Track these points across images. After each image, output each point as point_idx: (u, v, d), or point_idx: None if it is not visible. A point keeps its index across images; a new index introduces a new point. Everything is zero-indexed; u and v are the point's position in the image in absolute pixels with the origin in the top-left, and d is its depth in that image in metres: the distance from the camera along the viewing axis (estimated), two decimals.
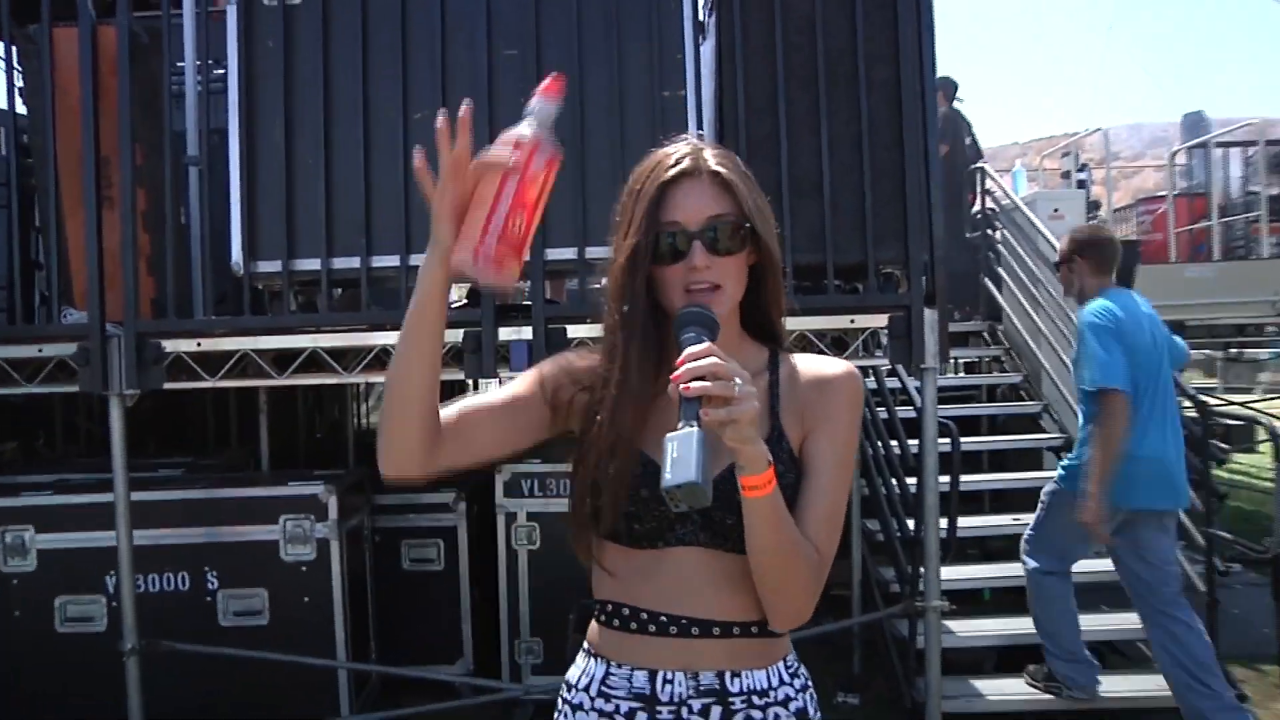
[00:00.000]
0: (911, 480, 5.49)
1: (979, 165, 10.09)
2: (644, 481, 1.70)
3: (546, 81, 1.62)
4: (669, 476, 1.43)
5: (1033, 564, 5.14)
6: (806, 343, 4.67)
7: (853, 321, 4.76)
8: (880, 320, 4.76)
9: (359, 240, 4.73)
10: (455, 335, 4.68)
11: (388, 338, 4.79)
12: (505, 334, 4.72)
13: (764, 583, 1.67)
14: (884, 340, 4.82)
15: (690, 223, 1.71)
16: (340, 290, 5.46)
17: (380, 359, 4.87)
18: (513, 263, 1.56)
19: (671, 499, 1.43)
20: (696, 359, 1.52)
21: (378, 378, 5.32)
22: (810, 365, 1.80)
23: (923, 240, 4.72)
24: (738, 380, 1.51)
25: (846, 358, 4.84)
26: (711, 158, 1.75)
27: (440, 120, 1.58)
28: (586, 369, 1.81)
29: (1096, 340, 4.61)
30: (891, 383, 6.91)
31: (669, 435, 1.46)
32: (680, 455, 1.44)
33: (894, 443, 6.05)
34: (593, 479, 1.73)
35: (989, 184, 9.54)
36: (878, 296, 4.77)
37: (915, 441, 5.13)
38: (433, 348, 1.70)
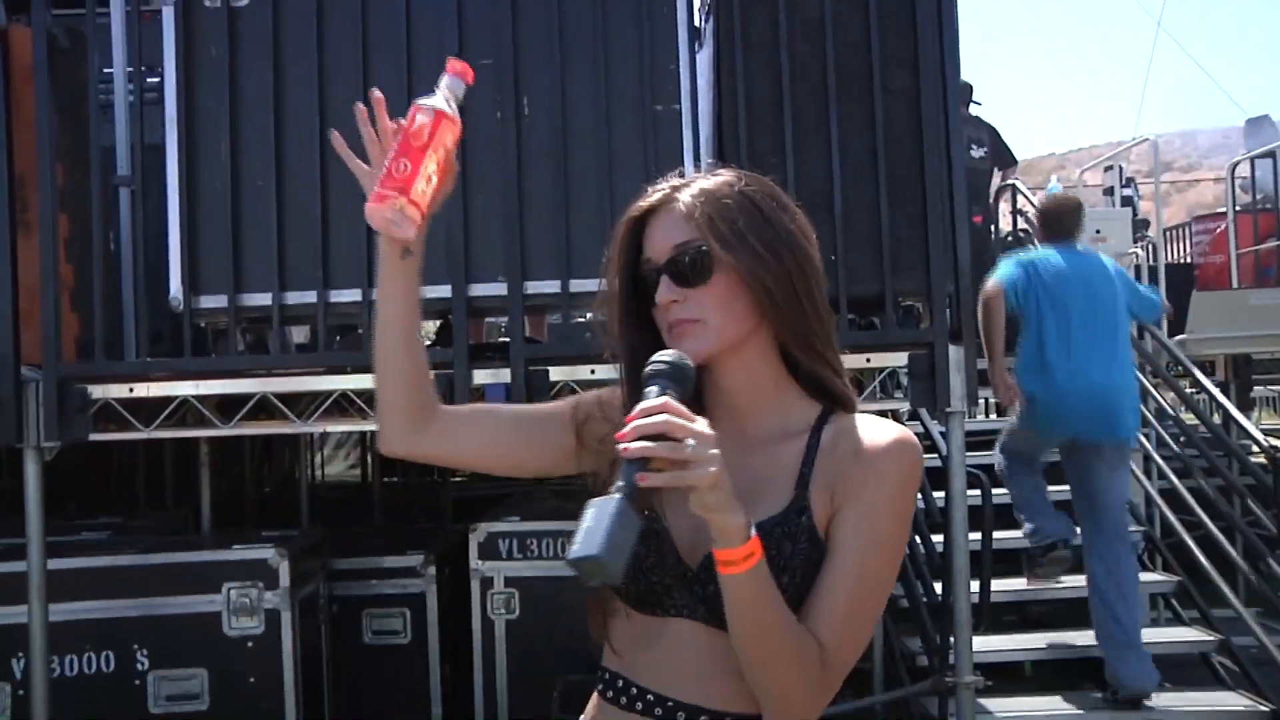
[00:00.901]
0: (938, 538, 5.52)
1: (1010, 181, 10.20)
2: (652, 550, 1.72)
3: (456, 63, 1.80)
4: (575, 547, 1.43)
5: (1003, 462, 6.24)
6: None
7: (869, 360, 4.82)
8: (900, 359, 4.82)
9: (315, 272, 4.78)
10: None
11: (347, 381, 4.84)
12: (480, 377, 4.77)
13: (749, 673, 1.65)
14: (904, 381, 4.88)
15: (658, 256, 1.75)
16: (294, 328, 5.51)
17: (340, 405, 4.90)
18: (395, 200, 1.72)
19: (579, 571, 1.43)
20: (645, 415, 1.52)
21: (336, 426, 5.36)
22: (857, 430, 1.74)
23: (947, 268, 4.79)
24: (690, 441, 1.50)
25: (863, 401, 4.89)
26: (689, 188, 1.77)
27: (359, 106, 1.81)
28: (618, 409, 1.84)
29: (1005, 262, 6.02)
30: (913, 428, 6.95)
31: (592, 500, 1.47)
32: (592, 524, 1.44)
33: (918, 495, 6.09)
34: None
35: (1021, 202, 9.62)
36: (897, 332, 4.83)
37: (941, 494, 5.17)
38: (399, 313, 1.84)
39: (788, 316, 1.74)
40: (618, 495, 1.46)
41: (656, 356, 1.63)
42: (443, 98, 1.75)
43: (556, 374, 4.74)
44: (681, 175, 1.82)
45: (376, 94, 1.78)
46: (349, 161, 1.80)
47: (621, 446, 1.50)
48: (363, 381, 4.83)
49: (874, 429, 1.74)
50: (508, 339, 4.89)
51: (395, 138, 1.74)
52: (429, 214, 1.76)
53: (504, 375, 4.76)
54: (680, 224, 1.73)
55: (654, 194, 1.78)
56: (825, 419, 1.76)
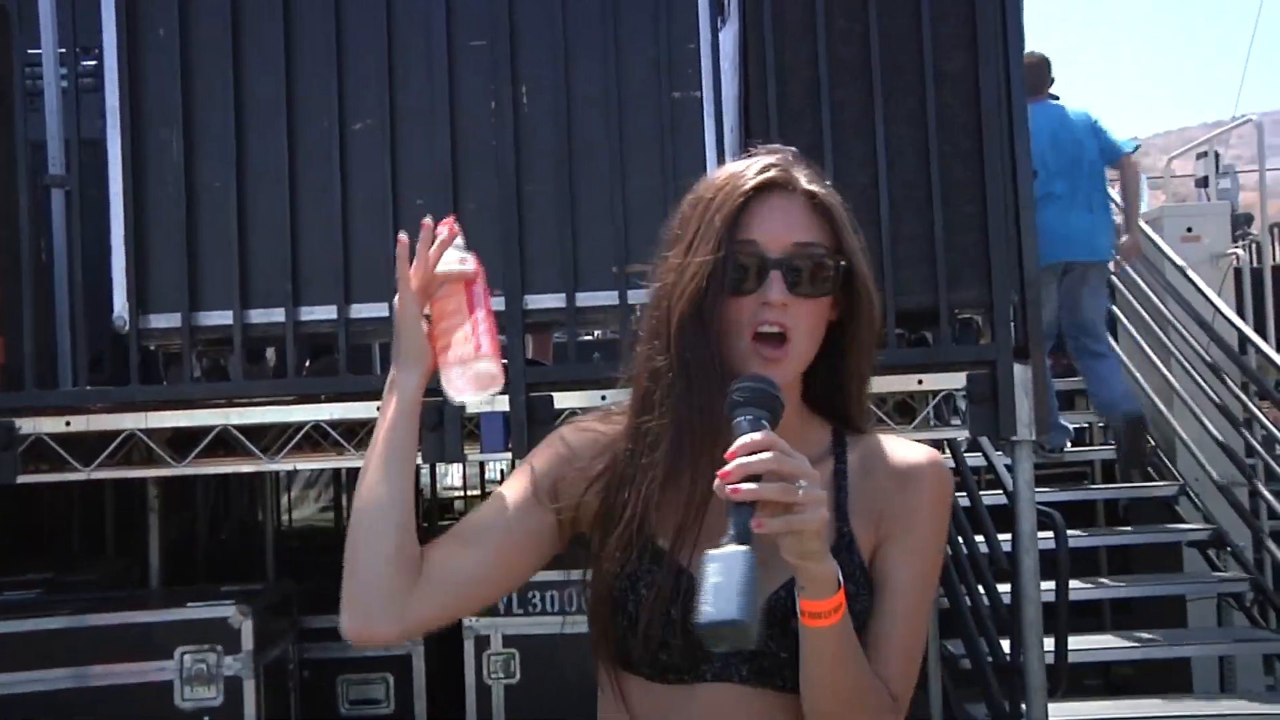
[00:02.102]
0: (1005, 588, 5.57)
1: None
2: (675, 600, 1.74)
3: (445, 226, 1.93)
4: (708, 610, 1.45)
5: None
6: None
7: (921, 382, 4.86)
8: (957, 380, 4.86)
9: (283, 287, 4.85)
10: None
11: (320, 412, 4.91)
12: (474, 404, 4.81)
13: None
14: (962, 405, 4.92)
15: (772, 246, 1.76)
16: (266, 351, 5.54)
17: (312, 438, 4.96)
18: (497, 361, 1.81)
19: (708, 637, 1.46)
20: (752, 451, 1.54)
21: (306, 463, 5.42)
22: (886, 453, 1.84)
23: (1011, 276, 4.85)
24: (804, 481, 1.53)
25: (914, 428, 4.94)
26: (803, 175, 1.83)
27: (402, 238, 1.88)
28: (594, 450, 1.85)
29: None
30: (974, 460, 7.03)
31: (710, 553, 1.49)
32: (722, 582, 1.46)
33: (979, 539, 6.14)
34: (613, 594, 1.78)
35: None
36: (953, 349, 4.89)
37: (1007, 537, 5.21)
38: (405, 475, 1.81)
39: (865, 345, 1.85)
40: (744, 548, 1.49)
41: (745, 381, 1.65)
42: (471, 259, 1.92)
43: (563, 400, 4.77)
44: (770, 150, 1.87)
45: (426, 225, 1.94)
46: (401, 292, 1.89)
47: (729, 487, 1.53)
48: (337, 411, 4.90)
49: (904, 451, 1.86)
50: (505, 360, 4.94)
51: (461, 286, 1.87)
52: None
53: (501, 403, 4.80)
54: (807, 219, 1.79)
55: (765, 166, 1.81)
56: (840, 440, 1.86)
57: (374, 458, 1.82)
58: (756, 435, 1.56)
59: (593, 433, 1.89)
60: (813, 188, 1.81)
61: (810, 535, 1.54)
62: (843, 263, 1.78)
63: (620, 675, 1.82)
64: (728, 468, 1.53)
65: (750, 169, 1.81)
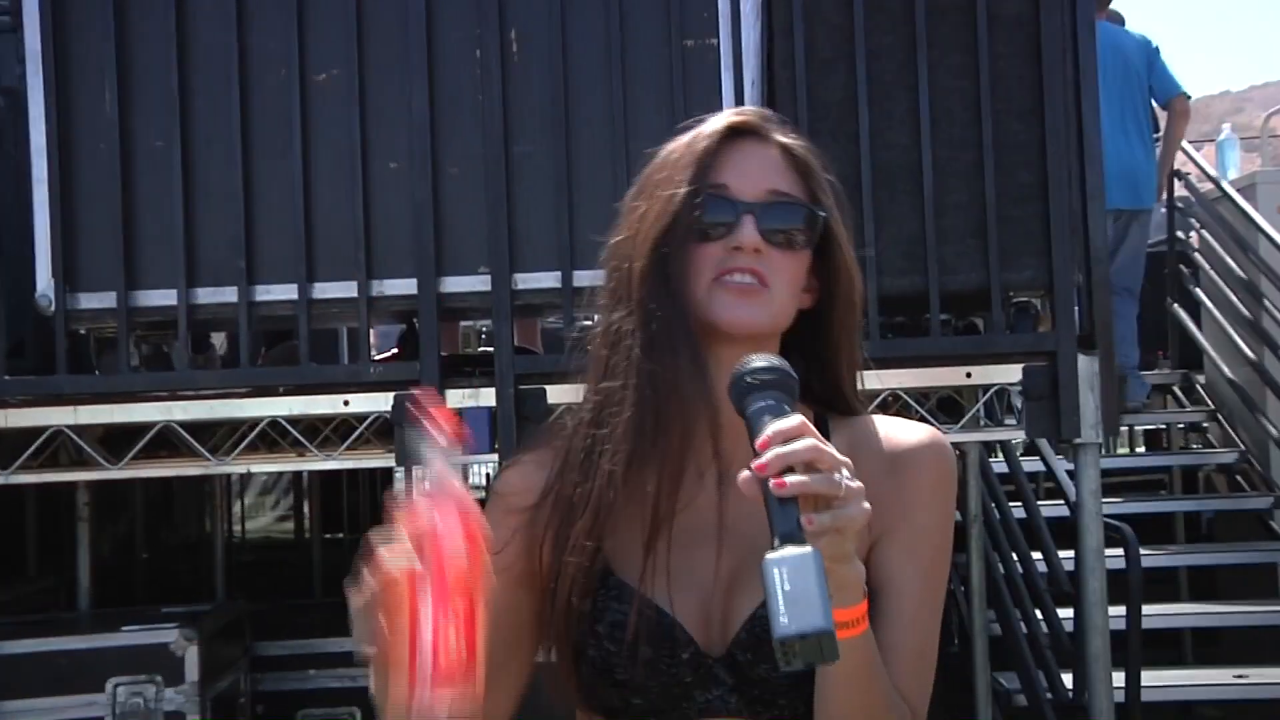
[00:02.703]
0: (1067, 614, 5.60)
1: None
2: (644, 639, 1.76)
3: (434, 422, 1.57)
4: (785, 622, 1.45)
5: None
6: (899, 407, 4.76)
7: (969, 375, 4.89)
8: (1012, 373, 4.88)
9: (235, 262, 4.87)
10: (381, 402, 4.83)
11: (278, 405, 4.94)
12: (455, 398, 4.86)
13: None
14: (1017, 402, 4.95)
15: (744, 190, 1.82)
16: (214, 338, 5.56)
17: (269, 437, 4.98)
18: (463, 682, 1.50)
19: (787, 653, 1.47)
20: (788, 439, 1.56)
21: (262, 465, 5.45)
22: (878, 434, 1.89)
23: (1074, 253, 4.87)
24: (844, 471, 1.56)
25: (963, 428, 4.96)
26: (783, 128, 1.90)
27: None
28: (530, 478, 1.87)
29: None
30: (1031, 464, 7.05)
31: (770, 558, 1.49)
32: (797, 589, 1.47)
33: (1037, 556, 6.18)
34: (570, 636, 1.80)
35: (1180, 159, 9.64)
36: (1008, 338, 4.91)
37: (1070, 554, 5.23)
38: None
39: (847, 318, 1.91)
40: (811, 548, 1.50)
41: (754, 362, 1.66)
42: (459, 486, 1.54)
43: (556, 394, 4.80)
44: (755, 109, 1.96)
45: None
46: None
47: (773, 480, 1.53)
48: (297, 406, 4.92)
49: (898, 430, 1.92)
50: (490, 348, 4.96)
51: (407, 571, 1.51)
52: None
53: (487, 396, 4.84)
54: (782, 169, 1.86)
55: (735, 113, 1.90)
56: (822, 424, 1.89)
57: None
58: (788, 421, 1.57)
59: (522, 464, 1.92)
60: (788, 141, 1.87)
61: (851, 534, 1.57)
62: (821, 214, 1.84)
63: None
64: (764, 459, 1.54)
65: (725, 116, 1.89)
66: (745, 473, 1.55)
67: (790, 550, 1.49)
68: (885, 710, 1.72)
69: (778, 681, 1.74)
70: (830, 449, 1.55)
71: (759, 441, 1.56)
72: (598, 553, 1.78)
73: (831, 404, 1.92)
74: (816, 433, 1.56)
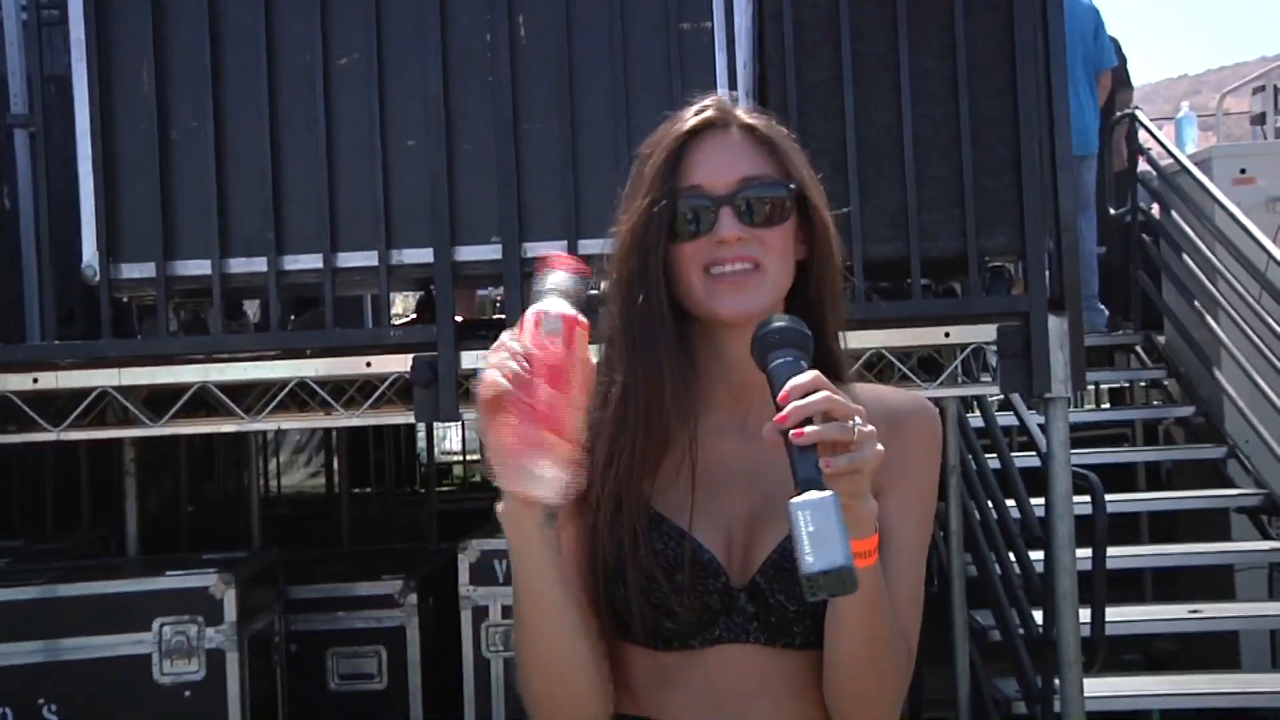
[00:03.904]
0: (1038, 556, 5.58)
1: (1128, 111, 10.18)
2: (671, 559, 1.80)
3: (565, 260, 1.81)
4: (810, 560, 1.53)
5: None
6: (883, 366, 4.76)
7: (948, 335, 4.87)
8: (987, 332, 4.86)
9: (266, 234, 4.85)
10: (401, 363, 4.82)
11: (307, 367, 4.92)
12: (470, 360, 4.83)
13: (846, 688, 1.79)
14: (992, 360, 4.92)
15: (716, 185, 1.85)
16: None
17: (298, 397, 4.97)
18: (546, 445, 1.63)
19: (812, 587, 1.54)
20: (806, 393, 1.61)
21: (292, 422, 5.43)
22: (872, 402, 1.88)
23: (1045, 220, 4.83)
24: (857, 418, 1.62)
25: (941, 384, 4.93)
26: (742, 110, 1.92)
27: None
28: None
29: None
30: (1005, 419, 7.03)
31: (794, 502, 1.56)
32: (820, 529, 1.54)
33: (1010, 503, 6.16)
34: (606, 563, 1.83)
35: (1143, 137, 9.62)
36: (983, 300, 4.88)
37: (1040, 501, 5.22)
38: (559, 603, 1.77)
39: (830, 280, 1.93)
40: (830, 492, 1.57)
41: (772, 323, 1.73)
42: (557, 300, 1.73)
43: None
44: (712, 96, 1.96)
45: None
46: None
47: (793, 430, 1.59)
48: (323, 368, 4.91)
49: (890, 398, 1.96)
50: (504, 315, 4.94)
51: (513, 356, 1.66)
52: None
53: None
54: (749, 152, 1.88)
55: (699, 109, 1.91)
56: None
57: (517, 600, 1.81)
58: (804, 376, 1.64)
59: None
60: (751, 121, 1.90)
61: (866, 473, 1.63)
62: (792, 186, 1.87)
63: (617, 646, 1.87)
64: (784, 412, 1.60)
65: (684, 114, 1.90)
66: (768, 425, 1.62)
67: (812, 494, 1.56)
68: (889, 638, 1.77)
69: (793, 612, 1.80)
70: (843, 398, 1.62)
71: (779, 396, 1.62)
72: (633, 491, 1.83)
73: (819, 360, 1.90)
74: (830, 385, 1.62)
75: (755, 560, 1.81)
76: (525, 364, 1.65)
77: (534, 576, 1.75)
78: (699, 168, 1.85)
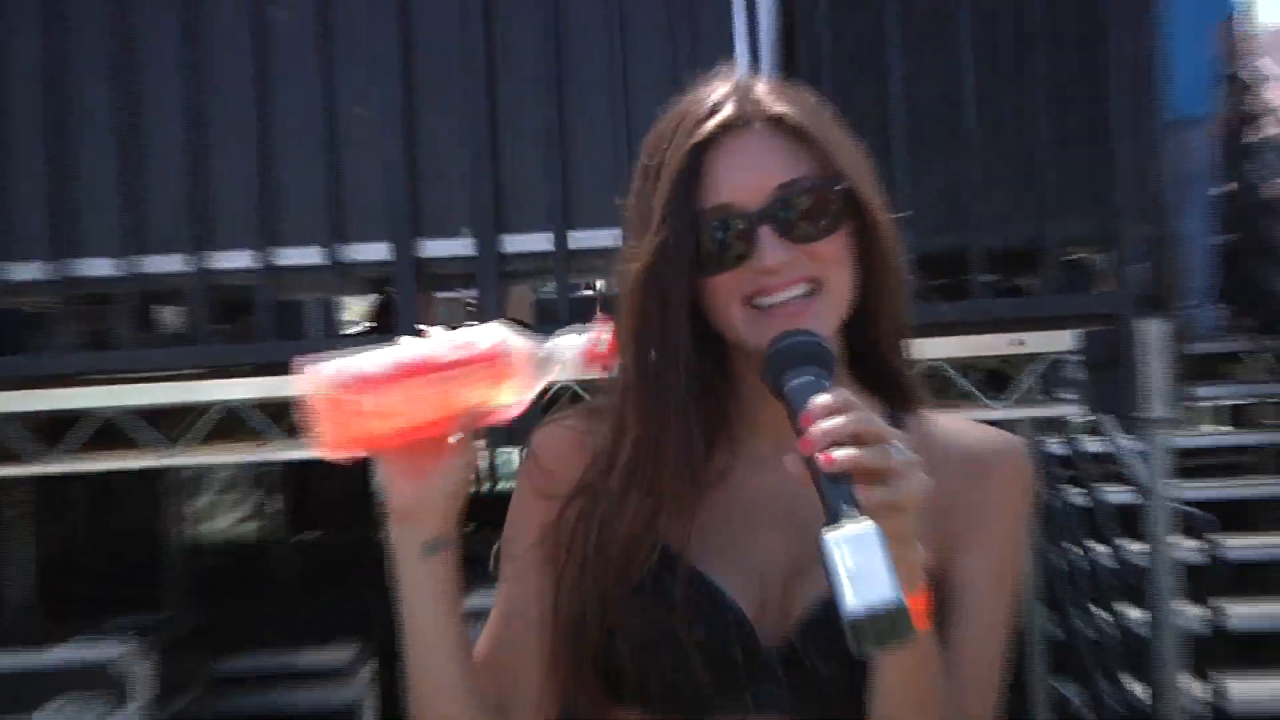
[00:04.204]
0: (1137, 613, 5.66)
1: (1254, 60, 10.16)
2: (687, 609, 1.83)
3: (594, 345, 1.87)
4: (852, 600, 1.50)
5: None
6: (940, 379, 4.76)
7: (1019, 344, 4.92)
8: (1068, 340, 4.91)
9: (187, 228, 4.93)
10: None
11: (238, 389, 4.99)
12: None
13: None
14: (1075, 374, 4.97)
15: (748, 200, 1.80)
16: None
17: (227, 422, 5.03)
18: (345, 397, 1.76)
19: (858, 635, 1.51)
20: (832, 413, 1.60)
21: (223, 456, 5.45)
22: (953, 439, 1.94)
23: (1140, 201, 4.91)
24: (896, 444, 1.61)
25: (1012, 405, 4.96)
26: (765, 93, 1.87)
27: None
28: (575, 452, 1.95)
29: None
30: (1093, 445, 6.98)
31: (828, 534, 1.54)
32: (861, 565, 1.51)
33: (1100, 547, 6.25)
34: (594, 610, 1.86)
35: (1271, 90, 9.58)
36: (1061, 300, 4.97)
37: (1139, 546, 5.25)
38: (448, 636, 1.84)
39: (894, 285, 1.92)
40: (869, 524, 1.55)
41: (783, 340, 1.72)
42: (547, 356, 1.81)
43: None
44: (725, 77, 1.91)
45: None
46: None
47: (821, 455, 1.57)
48: (262, 388, 4.98)
49: (975, 436, 1.97)
50: (475, 321, 4.99)
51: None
52: (424, 484, 1.77)
53: None
54: (780, 150, 1.84)
55: (714, 105, 1.85)
56: (896, 422, 1.90)
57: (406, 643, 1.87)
58: (829, 396, 1.62)
59: (572, 431, 1.97)
60: (778, 109, 1.85)
61: (911, 509, 1.61)
62: (838, 185, 1.82)
63: (608, 715, 1.91)
64: (809, 435, 1.59)
65: (697, 111, 1.85)
66: (790, 455, 1.60)
67: (849, 525, 1.53)
68: (945, 715, 1.78)
69: (834, 680, 1.80)
70: (879, 420, 1.60)
71: (801, 419, 1.61)
72: (654, 523, 1.85)
73: (885, 385, 1.97)
74: (860, 403, 1.60)
75: (792, 616, 1.81)
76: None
77: (411, 614, 1.81)
78: (723, 180, 1.81)
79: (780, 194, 1.80)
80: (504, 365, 1.75)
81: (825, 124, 1.86)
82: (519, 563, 1.94)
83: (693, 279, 1.81)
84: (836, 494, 1.56)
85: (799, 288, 1.80)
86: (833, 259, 1.81)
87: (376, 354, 1.75)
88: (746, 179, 1.81)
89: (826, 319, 1.81)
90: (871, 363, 1.95)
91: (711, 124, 1.82)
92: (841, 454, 1.56)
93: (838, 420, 1.58)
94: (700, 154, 1.82)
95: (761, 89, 1.88)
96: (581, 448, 1.94)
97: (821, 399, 1.60)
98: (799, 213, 1.80)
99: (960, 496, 1.87)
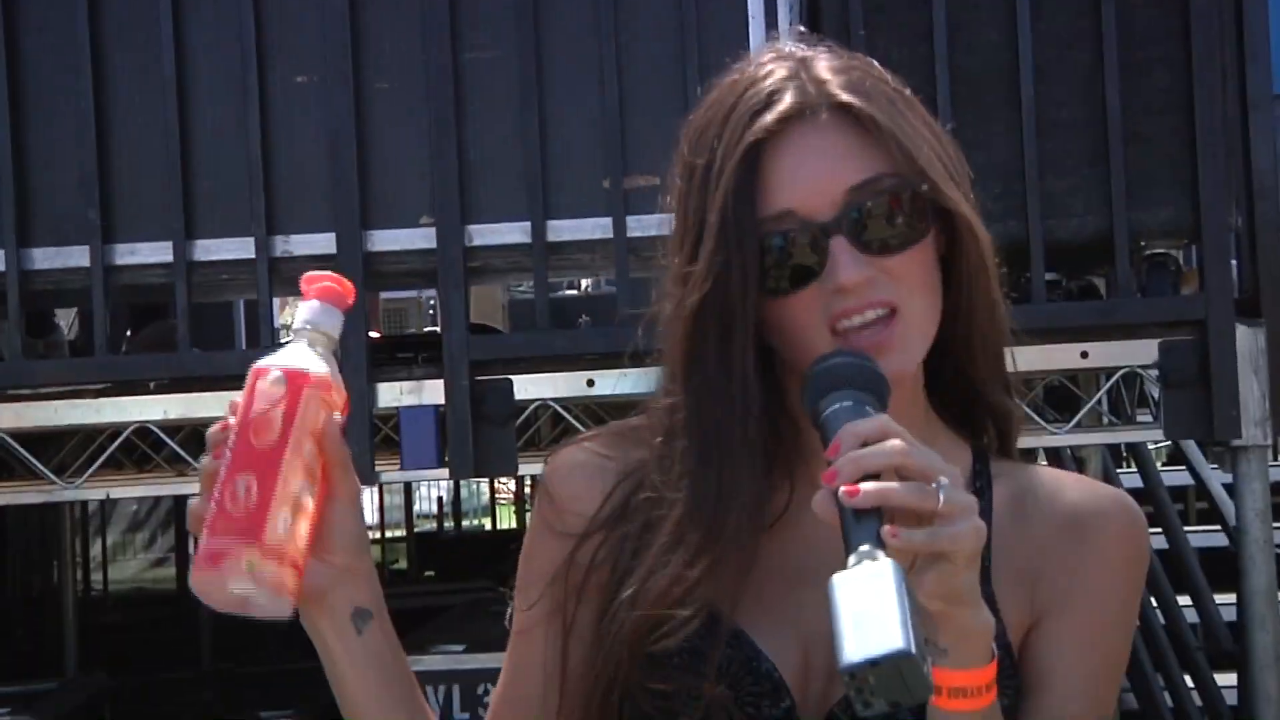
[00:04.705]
0: (1229, 681, 5.66)
1: None
2: (729, 676, 1.82)
3: (318, 278, 1.80)
4: (850, 647, 1.51)
5: None
6: None
7: (1086, 355, 4.92)
8: (1146, 351, 4.92)
9: (87, 214, 4.93)
10: None
11: (147, 406, 5.00)
12: (389, 394, 4.94)
13: None
14: (1154, 392, 4.99)
15: (816, 207, 1.80)
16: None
17: (135, 449, 4.98)
18: (239, 556, 1.70)
19: (861, 690, 1.51)
20: (865, 442, 1.62)
21: (128, 489, 5.46)
22: (1053, 490, 1.94)
23: (1230, 185, 4.92)
24: (944, 479, 1.60)
25: (1076, 428, 4.97)
26: (830, 73, 1.85)
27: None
28: (595, 485, 1.94)
29: None
30: (1175, 476, 7.14)
31: (839, 577, 1.55)
32: (869, 608, 1.52)
33: (1185, 601, 6.24)
34: (607, 670, 1.86)
35: None
36: (1139, 303, 4.97)
37: (1230, 598, 5.26)
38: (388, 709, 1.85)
39: (988, 304, 1.90)
40: (891, 563, 1.55)
41: (827, 360, 1.73)
42: (302, 347, 1.78)
43: (525, 387, 4.88)
44: (778, 51, 1.90)
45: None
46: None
47: (844, 488, 1.58)
48: (178, 407, 4.98)
49: (1079, 489, 1.95)
50: (436, 328, 4.99)
51: (226, 438, 1.73)
52: (318, 561, 1.75)
53: (432, 390, 4.92)
54: (855, 145, 1.82)
55: (771, 93, 1.83)
56: (983, 465, 1.94)
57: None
58: (868, 421, 1.64)
59: (592, 457, 1.97)
60: (846, 98, 1.81)
61: (963, 561, 1.61)
62: (924, 186, 1.80)
63: None
64: (835, 465, 1.60)
65: (751, 99, 1.83)
66: (820, 493, 1.60)
67: (864, 566, 1.55)
68: None
69: None
70: (928, 455, 1.61)
71: (829, 448, 1.63)
72: (704, 581, 1.82)
73: (983, 428, 1.97)
74: (904, 432, 1.61)
75: (838, 686, 1.78)
76: (228, 446, 1.68)
77: (356, 707, 1.82)
78: (786, 184, 1.79)
79: (854, 198, 1.79)
80: (314, 385, 1.73)
81: (902, 107, 1.84)
82: (528, 611, 1.93)
83: (757, 302, 1.80)
84: (859, 533, 1.57)
85: (876, 311, 1.78)
86: (915, 280, 1.81)
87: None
88: (813, 182, 1.80)
89: (911, 350, 1.80)
90: (958, 396, 1.95)
91: (771, 117, 1.80)
92: (870, 486, 1.57)
93: (870, 450, 1.59)
94: (759, 153, 1.80)
95: (824, 67, 1.85)
96: (601, 475, 1.93)
97: (858, 424, 1.62)
98: (877, 222, 1.79)
99: (1057, 558, 1.87)
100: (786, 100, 1.80)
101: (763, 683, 1.82)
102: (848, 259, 1.76)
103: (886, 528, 1.56)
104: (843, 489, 1.57)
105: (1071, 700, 1.85)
